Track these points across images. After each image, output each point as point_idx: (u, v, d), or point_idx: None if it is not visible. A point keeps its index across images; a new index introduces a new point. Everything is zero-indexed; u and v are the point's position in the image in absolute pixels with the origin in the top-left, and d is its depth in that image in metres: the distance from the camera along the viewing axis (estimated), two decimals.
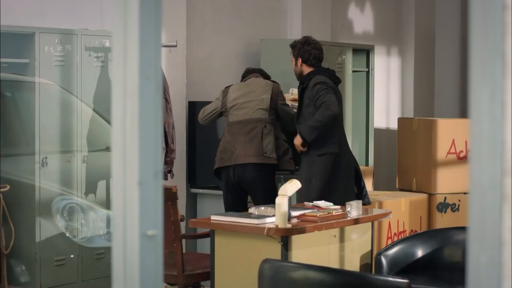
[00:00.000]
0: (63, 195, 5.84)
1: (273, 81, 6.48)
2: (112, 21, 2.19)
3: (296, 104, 6.35)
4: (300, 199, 5.93)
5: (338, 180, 6.01)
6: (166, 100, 6.35)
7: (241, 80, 6.55)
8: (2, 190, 5.46)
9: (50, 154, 5.79)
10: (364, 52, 8.24)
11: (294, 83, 7.43)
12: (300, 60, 6.15)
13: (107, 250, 5.99)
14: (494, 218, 1.70)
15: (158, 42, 2.22)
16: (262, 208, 5.11)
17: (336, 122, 5.93)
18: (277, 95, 6.36)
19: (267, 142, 6.24)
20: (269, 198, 6.10)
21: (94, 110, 6.07)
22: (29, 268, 5.72)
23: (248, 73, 6.55)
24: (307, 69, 6.14)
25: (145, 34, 2.17)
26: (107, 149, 6.12)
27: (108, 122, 6.01)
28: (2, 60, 5.60)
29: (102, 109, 6.06)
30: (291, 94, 6.56)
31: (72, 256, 5.88)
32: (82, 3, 6.56)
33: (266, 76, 6.57)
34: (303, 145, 5.99)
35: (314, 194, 5.84)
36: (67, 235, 5.87)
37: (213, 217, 5.04)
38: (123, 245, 2.15)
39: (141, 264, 2.15)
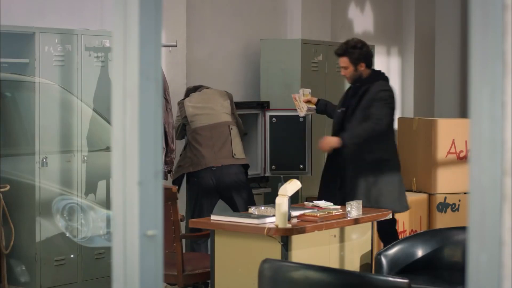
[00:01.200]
0: (63, 195, 5.84)
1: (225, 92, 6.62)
2: (112, 21, 2.19)
3: (312, 106, 6.32)
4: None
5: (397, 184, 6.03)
6: (166, 100, 6.35)
7: (188, 94, 6.58)
8: (2, 190, 5.46)
9: (50, 154, 5.79)
10: None
11: (294, 83, 7.44)
12: (363, 65, 5.99)
13: (107, 250, 5.99)
14: (494, 218, 1.69)
15: (158, 42, 2.21)
16: (262, 208, 5.11)
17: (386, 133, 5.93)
18: (232, 101, 6.51)
19: (235, 144, 6.34)
20: (246, 201, 6.21)
21: (94, 110, 6.07)
22: (29, 268, 5.72)
23: (196, 88, 6.61)
24: (366, 71, 6.01)
25: (145, 34, 2.16)
26: (107, 149, 6.12)
27: (108, 122, 6.01)
28: (2, 60, 5.60)
29: (102, 109, 6.06)
30: (303, 95, 6.47)
31: (72, 256, 5.88)
32: (82, 3, 6.56)
33: None
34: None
35: (387, 199, 5.88)
36: (67, 235, 5.86)
37: (213, 217, 5.04)
38: (123, 245, 2.15)
39: (141, 264, 2.14)
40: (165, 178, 6.36)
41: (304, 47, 7.41)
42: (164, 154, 6.31)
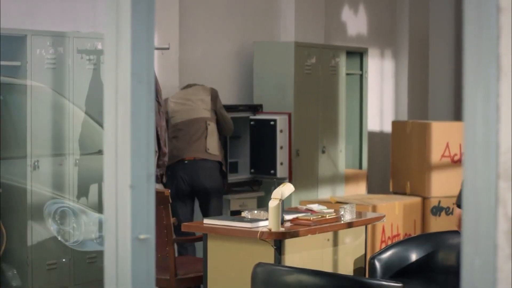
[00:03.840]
0: (55, 198, 5.81)
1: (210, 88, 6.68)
2: (104, 23, 2.17)
3: None
4: None
5: None
6: (159, 103, 6.33)
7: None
8: None
9: (42, 157, 5.76)
10: (357, 54, 8.23)
11: (287, 86, 7.42)
12: None
13: (99, 254, 5.96)
14: (488, 222, 1.68)
15: (151, 44, 2.20)
16: (255, 211, 5.09)
17: None
18: (215, 98, 6.54)
19: (210, 140, 6.40)
20: (217, 202, 6.25)
21: (86, 113, 6.04)
22: (21, 272, 5.69)
23: (190, 87, 6.73)
24: None
25: (137, 36, 2.15)
26: (99, 152, 6.09)
27: (100, 125, 5.98)
28: None
29: (94, 112, 6.04)
30: None
31: (64, 260, 5.85)
32: (74, 5, 6.54)
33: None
34: None
35: None
36: (59, 238, 5.84)
37: (205, 221, 5.02)
38: (115, 249, 2.13)
39: (133, 268, 2.13)
40: (158, 181, 6.34)
41: (297, 49, 7.40)
42: (156, 157, 6.29)
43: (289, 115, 7.09)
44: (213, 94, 6.57)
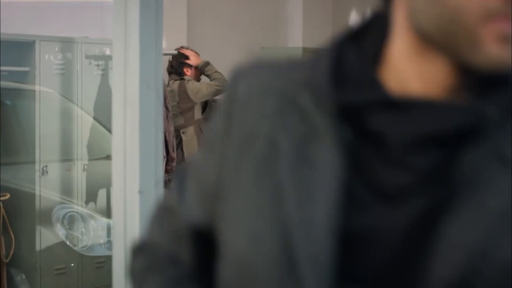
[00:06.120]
0: (63, 203, 5.82)
1: (181, 78, 6.61)
2: (113, 29, 2.18)
3: None
4: None
5: None
6: (167, 108, 6.34)
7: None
8: (2, 198, 5.44)
9: (50, 162, 5.78)
10: None
11: None
12: None
13: (108, 259, 5.97)
14: None
15: (159, 50, 2.21)
16: None
17: None
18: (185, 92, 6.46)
19: None
20: None
21: (94, 118, 6.06)
22: (29, 276, 5.70)
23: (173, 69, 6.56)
24: None
25: (146, 42, 2.16)
26: (108, 157, 6.10)
27: (109, 130, 5.99)
28: (2, 68, 5.59)
29: (103, 118, 6.05)
30: None
31: (72, 265, 5.86)
32: (82, 11, 6.56)
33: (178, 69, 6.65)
34: None
35: None
36: (68, 243, 5.85)
37: None
38: (124, 254, 2.14)
39: None
40: (166, 186, 6.34)
41: (305, 55, 7.39)
42: (164, 162, 6.30)
43: None
44: (181, 89, 6.59)
